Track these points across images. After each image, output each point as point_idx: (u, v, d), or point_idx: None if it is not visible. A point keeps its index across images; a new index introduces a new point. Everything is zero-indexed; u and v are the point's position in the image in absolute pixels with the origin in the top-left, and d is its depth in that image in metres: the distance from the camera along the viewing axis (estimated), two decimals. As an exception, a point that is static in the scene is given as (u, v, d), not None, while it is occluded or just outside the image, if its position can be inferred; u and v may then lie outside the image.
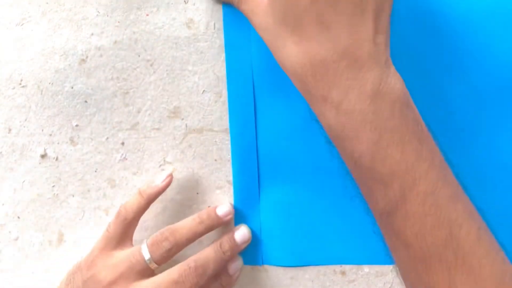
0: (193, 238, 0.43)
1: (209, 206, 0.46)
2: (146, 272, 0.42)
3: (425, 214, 0.34)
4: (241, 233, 0.44)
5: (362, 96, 0.35)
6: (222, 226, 0.45)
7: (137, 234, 0.44)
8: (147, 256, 0.42)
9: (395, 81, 0.35)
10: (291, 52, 0.36)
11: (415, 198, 0.34)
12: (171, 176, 0.45)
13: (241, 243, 0.44)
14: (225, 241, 0.44)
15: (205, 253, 0.43)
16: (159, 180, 0.44)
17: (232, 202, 0.45)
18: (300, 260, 0.45)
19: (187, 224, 0.43)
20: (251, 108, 0.44)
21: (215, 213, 0.44)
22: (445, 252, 0.34)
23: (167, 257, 0.42)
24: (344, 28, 0.35)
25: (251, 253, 0.45)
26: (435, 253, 0.34)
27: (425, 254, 0.34)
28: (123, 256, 0.42)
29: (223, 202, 0.45)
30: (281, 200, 0.45)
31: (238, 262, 0.45)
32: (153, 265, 0.42)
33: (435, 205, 0.34)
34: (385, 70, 0.35)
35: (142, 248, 0.42)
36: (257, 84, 0.44)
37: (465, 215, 0.34)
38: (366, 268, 0.45)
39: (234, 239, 0.44)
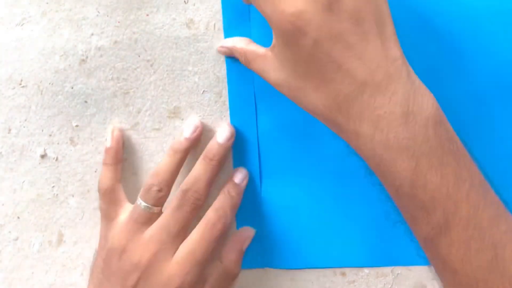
0: (175, 169, 0.43)
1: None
2: (153, 219, 0.42)
3: (469, 238, 0.33)
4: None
5: (393, 123, 0.33)
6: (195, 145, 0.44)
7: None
8: (143, 204, 0.42)
9: (423, 97, 0.34)
10: (313, 98, 0.35)
11: (458, 223, 0.33)
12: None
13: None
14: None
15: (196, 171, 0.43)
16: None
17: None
18: (300, 262, 0.45)
19: (163, 161, 0.43)
20: (252, 108, 0.44)
21: (183, 138, 0.43)
22: (491, 275, 0.33)
23: (162, 197, 0.42)
24: (355, 58, 0.33)
25: (252, 256, 0.45)
26: (481, 278, 0.33)
27: (472, 279, 0.34)
28: (127, 217, 0.43)
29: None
30: (282, 202, 0.45)
31: (242, 171, 0.44)
32: (154, 210, 0.42)
33: (478, 228, 0.33)
34: (410, 87, 0.34)
35: (137, 202, 0.42)
36: (257, 84, 0.43)
37: (508, 234, 0.34)
38: (366, 269, 0.45)
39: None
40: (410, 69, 0.35)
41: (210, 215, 0.42)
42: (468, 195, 0.33)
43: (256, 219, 0.45)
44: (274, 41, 0.36)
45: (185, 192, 0.42)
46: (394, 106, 0.33)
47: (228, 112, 0.44)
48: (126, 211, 0.43)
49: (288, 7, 0.33)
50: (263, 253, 0.45)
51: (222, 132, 0.43)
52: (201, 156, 0.43)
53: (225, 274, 0.44)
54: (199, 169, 0.43)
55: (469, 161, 0.35)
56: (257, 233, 0.45)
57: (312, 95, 0.35)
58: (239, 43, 0.41)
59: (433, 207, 0.34)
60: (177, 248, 0.41)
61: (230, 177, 0.44)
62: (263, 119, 0.44)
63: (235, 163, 0.45)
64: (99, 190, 0.44)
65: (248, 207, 0.45)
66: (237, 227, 0.45)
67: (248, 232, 0.45)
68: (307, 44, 0.33)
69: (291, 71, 0.36)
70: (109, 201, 0.44)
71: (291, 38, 0.34)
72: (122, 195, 0.44)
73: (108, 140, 0.45)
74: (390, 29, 0.35)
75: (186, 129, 0.43)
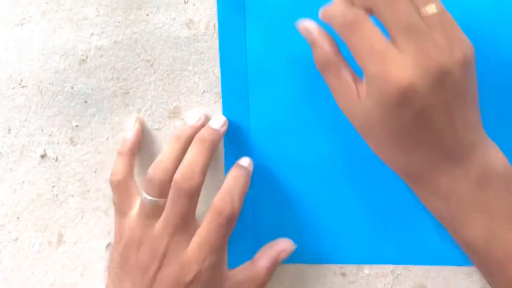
0: (178, 158, 0.42)
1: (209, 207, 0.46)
2: (161, 211, 0.41)
3: None
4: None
5: (469, 185, 0.35)
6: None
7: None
8: (148, 198, 0.41)
9: (495, 157, 0.35)
10: (395, 157, 0.37)
11: None
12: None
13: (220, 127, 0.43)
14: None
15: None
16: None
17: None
18: (299, 258, 0.45)
19: (165, 149, 0.42)
20: (245, 103, 0.44)
21: (187, 125, 0.43)
22: None
23: (165, 188, 0.41)
24: (449, 127, 0.34)
25: (251, 252, 0.45)
26: None
27: None
28: (137, 212, 0.42)
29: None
30: (278, 199, 0.45)
31: (246, 160, 0.43)
32: (160, 202, 0.41)
33: None
34: (483, 150, 0.35)
35: (141, 197, 0.42)
36: (250, 80, 0.43)
37: None
38: (366, 270, 0.45)
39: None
40: (482, 130, 0.36)
41: (216, 202, 0.41)
42: None
43: (252, 216, 0.45)
44: (367, 94, 0.35)
45: (179, 182, 0.40)
46: (469, 171, 0.35)
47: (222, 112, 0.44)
48: (138, 205, 0.42)
49: (399, 77, 0.33)
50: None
51: (216, 119, 0.43)
52: (193, 141, 0.42)
53: (254, 278, 0.43)
54: (191, 154, 0.41)
55: None
56: (255, 230, 0.45)
57: (395, 155, 0.37)
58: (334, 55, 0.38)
59: (509, 263, 0.34)
60: (191, 236, 0.41)
61: (236, 162, 0.43)
62: (255, 115, 0.44)
63: (227, 163, 0.44)
64: (112, 182, 0.44)
65: (244, 203, 0.45)
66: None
67: (288, 245, 0.44)
68: (410, 114, 0.34)
69: (380, 131, 0.36)
70: (121, 194, 0.43)
71: (394, 107, 0.34)
72: (134, 188, 0.44)
73: (129, 130, 0.44)
74: (475, 92, 0.35)
75: (190, 117, 0.43)
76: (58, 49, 0.45)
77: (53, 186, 0.47)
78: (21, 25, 0.45)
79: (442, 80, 0.33)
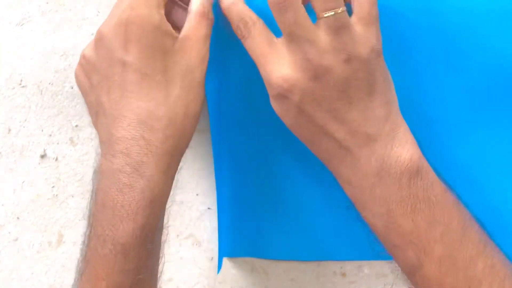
0: None
1: (209, 208, 0.46)
2: None
3: (442, 276, 0.36)
4: None
5: (368, 174, 0.37)
6: None
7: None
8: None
9: (400, 151, 0.37)
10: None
11: (431, 262, 0.36)
12: None
13: None
14: None
15: None
16: None
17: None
18: (297, 254, 0.45)
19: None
20: (231, 107, 0.44)
21: None
22: None
23: None
24: (336, 122, 0.37)
25: (250, 248, 0.45)
26: None
27: None
28: None
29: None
30: (276, 195, 0.45)
31: None
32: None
33: (453, 267, 0.36)
34: (388, 142, 0.37)
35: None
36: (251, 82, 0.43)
37: (485, 271, 0.36)
38: (366, 269, 0.45)
39: None
40: (397, 120, 0.38)
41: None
42: (442, 236, 0.36)
43: (251, 210, 0.45)
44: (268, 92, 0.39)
45: None
46: (369, 161, 0.37)
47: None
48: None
49: (277, 73, 0.37)
50: (262, 244, 0.45)
51: None
52: None
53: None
54: None
55: (449, 205, 0.37)
56: (254, 224, 0.45)
57: (306, 144, 0.40)
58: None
59: (406, 248, 0.37)
60: None
61: None
62: (252, 110, 0.44)
63: (216, 161, 0.45)
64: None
65: (243, 201, 0.45)
66: (220, 219, 0.45)
67: None
68: (291, 107, 0.38)
69: (285, 124, 0.40)
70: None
71: (278, 100, 0.38)
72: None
73: None
74: (379, 89, 0.38)
75: None
76: (58, 49, 0.45)
77: (53, 186, 0.47)
78: (21, 25, 0.45)
79: (319, 77, 0.36)
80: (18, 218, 0.47)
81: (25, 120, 0.46)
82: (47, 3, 0.45)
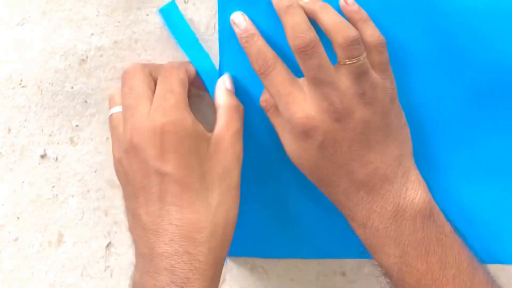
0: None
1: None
2: None
3: None
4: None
5: (384, 216, 0.38)
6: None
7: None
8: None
9: (414, 194, 0.38)
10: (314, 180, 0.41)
11: None
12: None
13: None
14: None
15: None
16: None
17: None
18: (298, 252, 0.45)
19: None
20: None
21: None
22: None
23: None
24: (355, 162, 0.38)
25: (251, 247, 0.45)
26: None
27: None
28: None
29: None
30: (277, 194, 0.45)
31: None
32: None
33: None
34: (402, 185, 0.39)
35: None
36: (250, 82, 0.43)
37: None
38: (366, 269, 0.45)
39: None
40: (409, 164, 0.40)
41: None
42: (454, 279, 0.37)
43: (253, 210, 0.45)
44: (285, 130, 0.40)
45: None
46: (385, 203, 0.38)
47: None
48: None
49: (300, 113, 0.38)
50: (262, 243, 0.45)
51: None
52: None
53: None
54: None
55: (458, 246, 0.38)
56: (254, 223, 0.45)
57: (319, 186, 0.41)
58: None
59: None
60: None
61: None
62: (254, 112, 0.44)
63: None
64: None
65: (244, 197, 0.45)
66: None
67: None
68: (313, 147, 0.38)
69: (300, 166, 0.41)
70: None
71: (300, 140, 0.39)
72: None
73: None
74: (395, 132, 0.39)
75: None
76: (58, 49, 0.45)
77: (53, 186, 0.47)
78: (21, 25, 0.45)
79: (341, 120, 0.37)
80: (18, 218, 0.47)
81: (25, 120, 0.46)
82: (47, 3, 0.45)
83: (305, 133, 0.38)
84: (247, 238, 0.45)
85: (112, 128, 0.41)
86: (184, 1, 0.44)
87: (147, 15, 0.44)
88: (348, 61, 0.38)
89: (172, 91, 0.39)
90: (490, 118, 0.43)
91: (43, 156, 0.47)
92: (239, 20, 0.41)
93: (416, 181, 0.39)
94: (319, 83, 0.38)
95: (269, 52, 0.40)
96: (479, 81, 0.42)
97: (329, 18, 0.38)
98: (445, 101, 0.43)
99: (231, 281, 0.47)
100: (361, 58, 0.38)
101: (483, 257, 0.43)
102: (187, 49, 0.43)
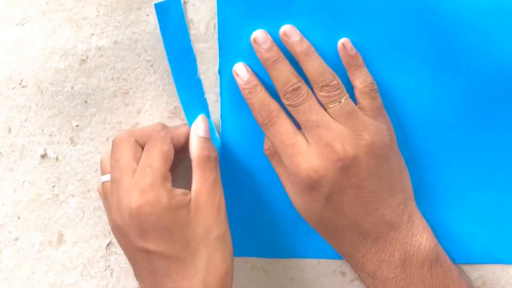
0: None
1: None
2: None
3: None
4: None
5: (392, 265, 0.39)
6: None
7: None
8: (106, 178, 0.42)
9: (420, 239, 0.39)
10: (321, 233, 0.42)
11: None
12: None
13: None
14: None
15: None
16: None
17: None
18: (297, 252, 0.45)
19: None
20: (245, 106, 0.44)
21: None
22: None
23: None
24: (361, 210, 0.39)
25: (248, 246, 0.45)
26: None
27: None
28: None
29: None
30: (274, 195, 0.45)
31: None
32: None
33: None
34: (408, 230, 0.39)
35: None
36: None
37: None
38: (366, 269, 0.45)
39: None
40: (413, 207, 0.40)
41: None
42: None
43: (252, 209, 0.45)
44: (290, 183, 0.41)
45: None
46: (393, 251, 0.39)
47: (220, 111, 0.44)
48: None
49: (305, 165, 0.38)
50: (262, 243, 0.45)
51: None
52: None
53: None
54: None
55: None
56: (254, 223, 0.45)
57: (326, 239, 0.41)
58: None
59: None
60: None
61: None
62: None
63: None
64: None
65: (244, 197, 0.45)
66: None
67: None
68: (320, 199, 0.39)
69: (306, 217, 0.41)
70: None
71: (306, 193, 0.39)
72: None
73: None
74: (397, 176, 0.39)
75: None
76: (58, 49, 0.45)
77: (53, 186, 0.47)
78: (21, 25, 0.45)
79: (346, 167, 0.38)
80: (18, 217, 0.47)
81: (25, 120, 0.46)
82: (47, 3, 0.45)
83: (310, 186, 0.38)
84: (247, 238, 0.45)
85: (104, 197, 0.43)
86: (184, 1, 0.44)
87: (147, 15, 0.44)
88: (331, 104, 0.39)
89: (151, 166, 0.39)
90: (490, 118, 0.43)
91: (43, 156, 0.47)
92: (242, 71, 0.42)
93: (421, 224, 0.40)
94: (314, 125, 0.39)
95: (272, 103, 0.40)
96: (479, 81, 0.42)
97: (310, 65, 0.40)
98: (445, 101, 0.43)
99: (231, 281, 0.47)
100: (342, 100, 0.39)
101: (484, 257, 0.43)
102: (173, 57, 0.44)
